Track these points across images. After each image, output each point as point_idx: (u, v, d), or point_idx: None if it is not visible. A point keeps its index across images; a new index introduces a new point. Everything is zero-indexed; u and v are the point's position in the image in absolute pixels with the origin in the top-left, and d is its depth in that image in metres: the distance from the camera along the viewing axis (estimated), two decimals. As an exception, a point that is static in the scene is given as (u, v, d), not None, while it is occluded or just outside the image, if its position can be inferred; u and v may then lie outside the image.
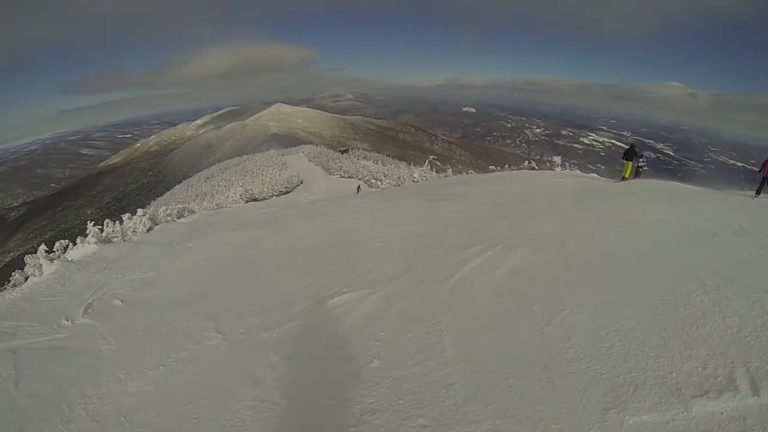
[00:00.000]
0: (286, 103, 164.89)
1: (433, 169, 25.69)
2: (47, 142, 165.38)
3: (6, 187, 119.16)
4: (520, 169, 19.45)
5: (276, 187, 34.76)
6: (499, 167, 21.30)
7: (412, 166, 34.09)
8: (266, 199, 28.44)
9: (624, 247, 5.83)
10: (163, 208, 14.57)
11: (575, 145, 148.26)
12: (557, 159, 17.54)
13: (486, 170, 22.57)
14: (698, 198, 8.84)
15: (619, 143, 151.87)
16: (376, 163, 41.72)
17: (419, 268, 5.89)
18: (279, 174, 41.34)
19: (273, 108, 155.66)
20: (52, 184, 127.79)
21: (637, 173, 12.51)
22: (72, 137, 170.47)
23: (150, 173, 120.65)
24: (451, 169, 22.65)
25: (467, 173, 21.75)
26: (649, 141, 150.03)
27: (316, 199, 23.19)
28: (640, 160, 12.55)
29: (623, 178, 12.39)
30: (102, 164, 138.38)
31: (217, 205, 22.41)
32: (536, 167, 18.33)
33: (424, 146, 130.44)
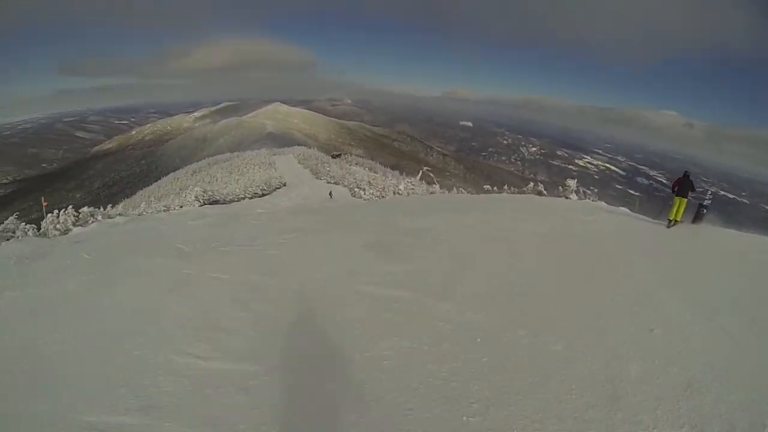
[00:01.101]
0: (285, 103, 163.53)
1: (424, 181, 22.68)
2: (42, 121, 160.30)
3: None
4: (523, 192, 16.06)
5: (251, 189, 32.46)
6: (495, 187, 18.09)
7: (404, 176, 31.21)
8: (230, 202, 25.82)
9: None
10: (52, 216, 12.26)
11: (570, 167, 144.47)
12: (572, 183, 13.73)
13: (479, 188, 19.37)
14: None
15: (613, 167, 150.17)
16: (365, 170, 38.98)
17: None
18: (260, 175, 39.76)
19: (271, 107, 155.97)
20: (44, 165, 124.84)
21: (697, 215, 9.13)
22: (68, 119, 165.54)
23: (143, 162, 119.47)
24: (438, 185, 19.51)
25: (458, 191, 18.67)
26: (643, 167, 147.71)
27: (282, 208, 19.97)
28: (707, 196, 9.18)
29: (672, 221, 8.95)
30: (96, 149, 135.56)
31: (165, 207, 20.10)
32: (545, 192, 14.84)
33: (419, 156, 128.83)
